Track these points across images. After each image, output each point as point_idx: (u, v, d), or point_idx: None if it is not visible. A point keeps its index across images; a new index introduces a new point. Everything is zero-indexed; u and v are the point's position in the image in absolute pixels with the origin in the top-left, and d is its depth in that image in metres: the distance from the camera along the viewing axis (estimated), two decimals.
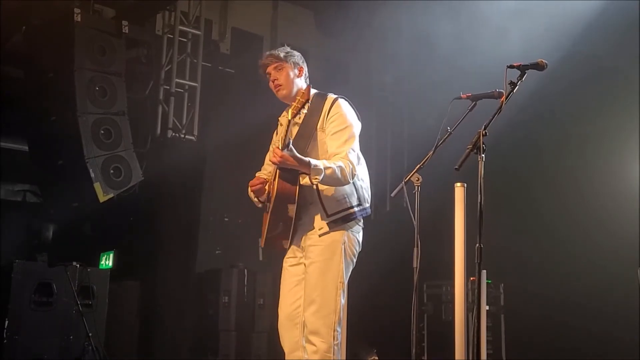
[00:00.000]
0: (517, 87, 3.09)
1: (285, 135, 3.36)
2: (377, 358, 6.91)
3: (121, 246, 7.89)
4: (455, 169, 2.95)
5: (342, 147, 3.42)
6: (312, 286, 3.41)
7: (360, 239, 3.57)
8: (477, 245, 2.94)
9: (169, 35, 7.33)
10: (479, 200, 2.93)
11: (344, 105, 3.54)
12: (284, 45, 3.71)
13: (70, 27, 6.16)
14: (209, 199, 7.57)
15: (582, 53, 6.41)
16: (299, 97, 3.38)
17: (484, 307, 5.52)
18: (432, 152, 3.32)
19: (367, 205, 3.57)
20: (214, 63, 7.89)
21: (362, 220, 3.57)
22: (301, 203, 3.43)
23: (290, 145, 3.28)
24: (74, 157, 6.12)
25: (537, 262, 6.92)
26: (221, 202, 7.73)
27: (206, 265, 7.37)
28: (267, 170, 3.72)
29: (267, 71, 3.63)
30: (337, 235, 3.44)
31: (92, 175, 6.03)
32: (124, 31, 6.43)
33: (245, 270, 7.05)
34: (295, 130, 3.55)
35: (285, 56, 3.60)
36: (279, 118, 3.75)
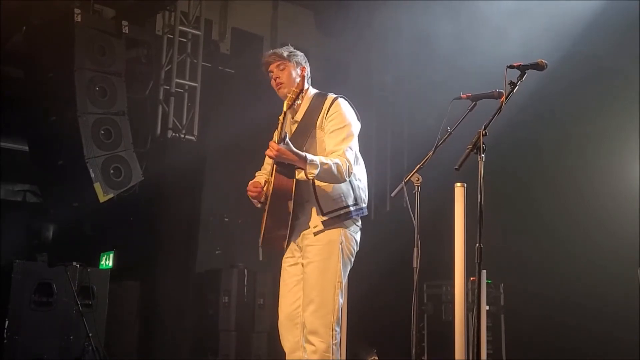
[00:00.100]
0: (517, 87, 3.09)
1: (281, 129, 3.36)
2: (377, 358, 6.91)
3: (121, 246, 7.89)
4: (455, 169, 2.95)
5: (339, 145, 3.43)
6: (311, 286, 3.41)
7: (358, 239, 3.56)
8: (477, 245, 2.94)
9: (169, 36, 7.33)
10: (479, 200, 2.93)
11: (343, 104, 3.55)
12: (287, 45, 3.71)
13: (70, 27, 6.16)
14: (209, 199, 7.57)
15: (582, 53, 6.41)
16: (293, 88, 3.40)
17: (484, 307, 5.53)
18: (432, 152, 3.32)
19: (364, 205, 3.57)
20: (214, 63, 7.89)
21: (359, 221, 3.56)
22: (298, 200, 3.43)
23: (287, 139, 3.29)
24: (74, 157, 6.12)
25: (537, 262, 6.92)
26: (221, 202, 7.72)
27: (206, 265, 7.37)
28: (267, 170, 3.71)
29: (269, 69, 3.63)
30: (335, 234, 3.43)
31: (92, 175, 6.03)
32: (124, 31, 6.43)
33: (245, 270, 7.05)
34: (294, 128, 3.57)
35: (288, 55, 3.61)
36: (279, 117, 3.75)
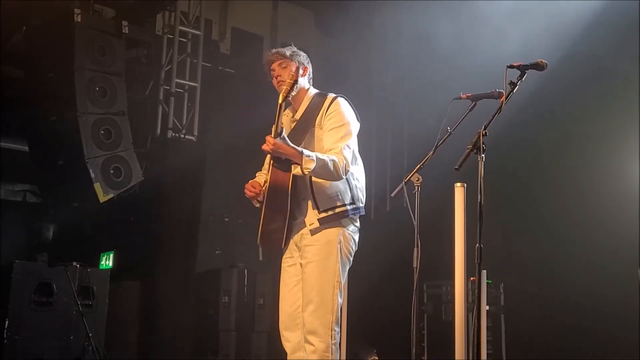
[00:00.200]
0: (517, 87, 3.09)
1: (277, 123, 3.36)
2: (377, 358, 6.91)
3: (121, 246, 7.88)
4: (455, 169, 2.95)
5: (337, 143, 3.42)
6: (310, 286, 3.41)
7: (357, 239, 3.56)
8: (477, 245, 2.94)
9: (169, 36, 7.33)
10: (479, 200, 2.93)
11: (343, 103, 3.55)
12: (290, 45, 3.71)
13: (70, 27, 6.16)
14: (209, 199, 7.57)
15: (582, 53, 6.41)
16: (287, 80, 3.39)
17: (484, 307, 5.53)
18: (432, 152, 3.32)
19: (361, 205, 3.56)
20: (214, 63, 7.89)
21: (357, 221, 3.56)
22: (295, 198, 3.42)
23: (283, 134, 3.29)
24: (74, 157, 6.12)
25: (537, 262, 6.93)
26: (221, 202, 7.72)
27: (206, 265, 7.37)
28: (267, 169, 3.71)
29: (271, 67, 3.63)
30: (333, 234, 3.43)
31: (92, 175, 6.03)
32: (124, 31, 6.43)
33: (245, 270, 7.05)
34: (293, 126, 3.58)
35: (291, 55, 3.61)
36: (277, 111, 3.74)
